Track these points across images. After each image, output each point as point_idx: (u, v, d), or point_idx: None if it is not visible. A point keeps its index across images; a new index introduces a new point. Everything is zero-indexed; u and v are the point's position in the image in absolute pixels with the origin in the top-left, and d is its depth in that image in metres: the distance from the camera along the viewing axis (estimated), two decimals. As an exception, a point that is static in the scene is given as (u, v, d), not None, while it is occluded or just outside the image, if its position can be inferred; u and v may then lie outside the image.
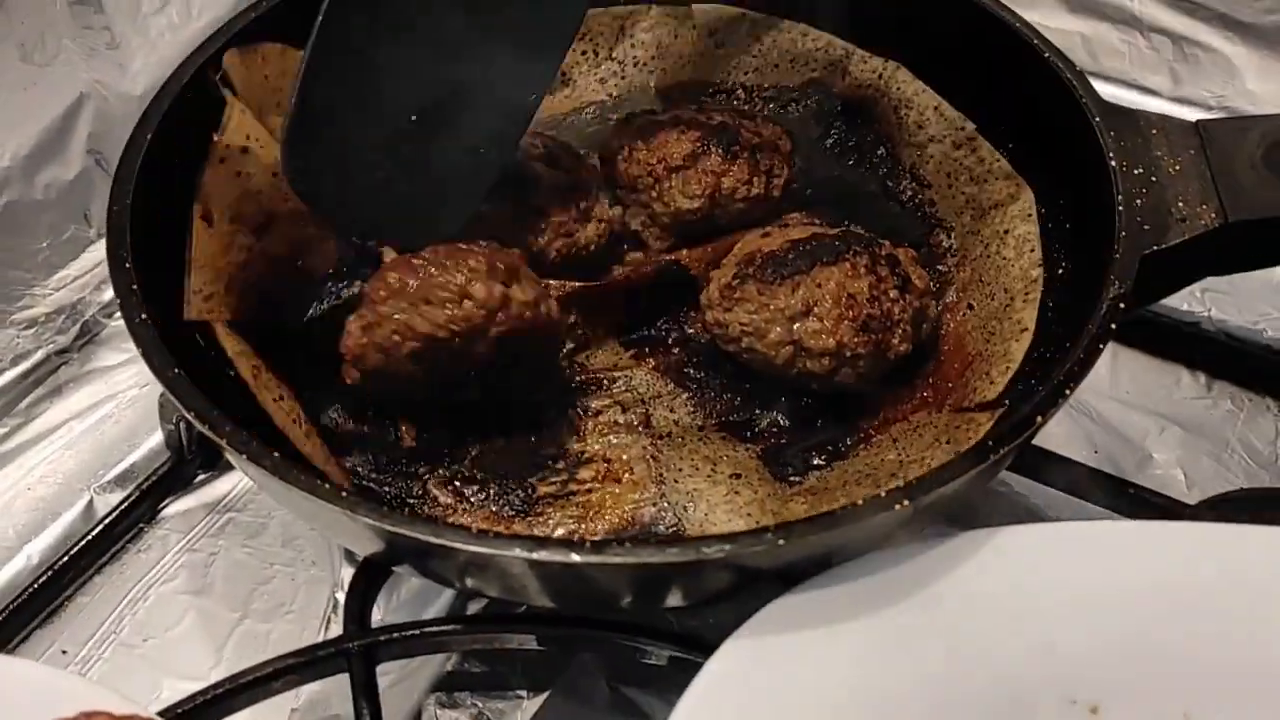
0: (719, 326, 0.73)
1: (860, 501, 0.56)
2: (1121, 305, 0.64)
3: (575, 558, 0.54)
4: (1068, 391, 0.61)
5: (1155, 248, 0.68)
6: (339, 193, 0.71)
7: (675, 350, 0.78)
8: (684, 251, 0.82)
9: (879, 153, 0.89)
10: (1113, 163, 0.72)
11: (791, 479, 0.71)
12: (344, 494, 0.57)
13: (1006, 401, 0.69)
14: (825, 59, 0.91)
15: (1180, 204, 0.70)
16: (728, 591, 0.62)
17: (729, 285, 0.72)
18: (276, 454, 0.59)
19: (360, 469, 0.72)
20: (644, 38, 0.95)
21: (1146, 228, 0.69)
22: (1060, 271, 0.76)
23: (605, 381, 0.76)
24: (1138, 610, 0.61)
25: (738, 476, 0.70)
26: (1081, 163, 0.74)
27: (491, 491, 0.70)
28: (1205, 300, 0.96)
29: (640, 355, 0.78)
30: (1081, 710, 0.60)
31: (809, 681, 0.59)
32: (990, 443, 0.59)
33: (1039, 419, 0.60)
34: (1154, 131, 0.74)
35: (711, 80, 0.95)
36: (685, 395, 0.76)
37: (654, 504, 0.69)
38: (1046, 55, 0.79)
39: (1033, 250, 0.77)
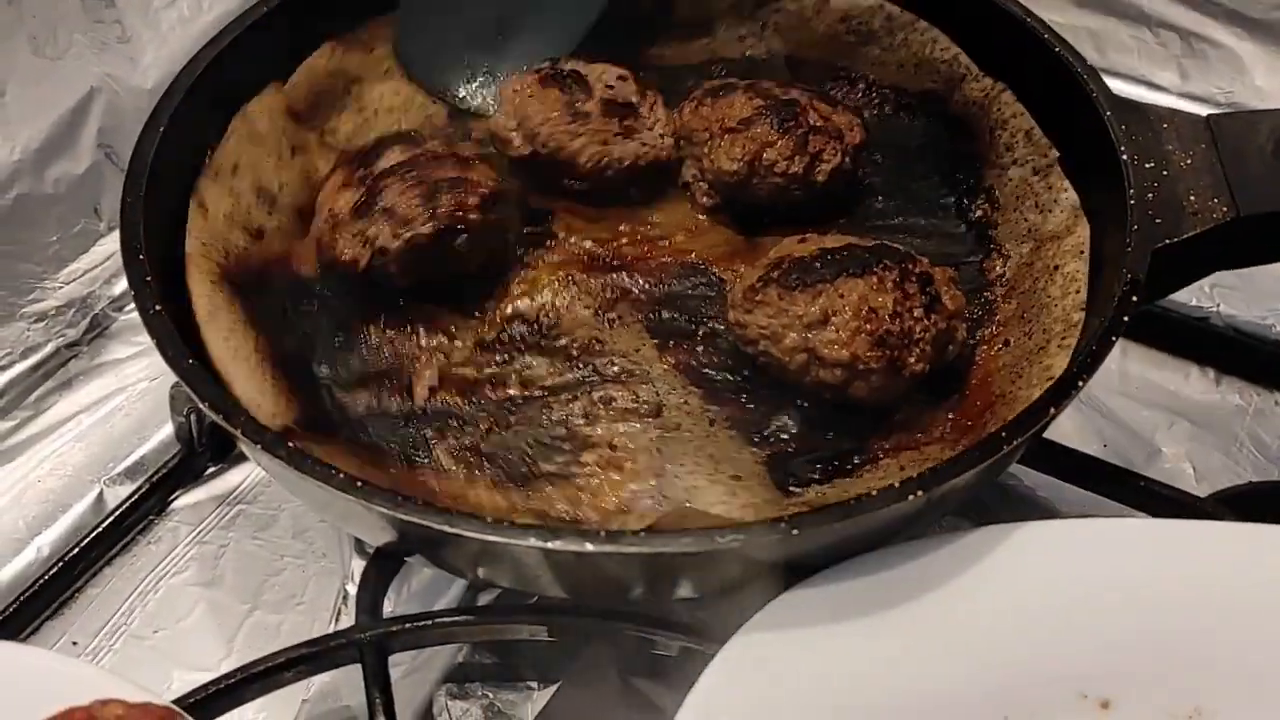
0: (739, 327, 0.73)
1: (874, 491, 0.56)
2: (1133, 299, 0.64)
3: (589, 547, 0.54)
4: (1080, 384, 0.61)
5: (1167, 241, 0.68)
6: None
7: (700, 346, 0.77)
8: (711, 255, 0.82)
9: (964, 169, 0.88)
10: (1124, 156, 0.72)
11: (791, 489, 0.70)
12: (359, 484, 0.57)
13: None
14: (947, 73, 0.90)
15: (1192, 197, 0.70)
16: (740, 582, 0.62)
17: (752, 287, 0.71)
18: (291, 444, 0.60)
19: (371, 426, 0.72)
20: (789, 6, 0.96)
21: (1158, 221, 0.69)
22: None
23: (622, 367, 0.76)
24: (1150, 606, 0.61)
25: (738, 479, 0.69)
26: (1093, 156, 0.74)
27: (497, 463, 0.70)
28: (1214, 295, 0.96)
29: (663, 345, 0.77)
30: (1092, 705, 0.60)
31: (819, 674, 0.59)
32: (1003, 434, 0.59)
33: (1051, 411, 0.60)
34: (1164, 126, 0.74)
35: (838, 65, 0.95)
36: (701, 391, 0.75)
37: (650, 496, 0.69)
38: (1057, 49, 0.79)
39: (1078, 291, 0.73)
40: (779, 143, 0.80)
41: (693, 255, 0.83)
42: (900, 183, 0.88)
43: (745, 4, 0.96)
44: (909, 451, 0.71)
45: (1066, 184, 0.80)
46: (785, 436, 0.73)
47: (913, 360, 0.69)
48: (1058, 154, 0.81)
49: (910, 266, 0.71)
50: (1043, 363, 0.71)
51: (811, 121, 0.81)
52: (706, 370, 0.76)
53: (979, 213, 0.85)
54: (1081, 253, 0.75)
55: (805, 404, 0.73)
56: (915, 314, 0.69)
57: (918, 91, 0.92)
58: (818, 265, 0.71)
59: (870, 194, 0.87)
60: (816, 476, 0.70)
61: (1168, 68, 1.12)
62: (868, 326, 0.68)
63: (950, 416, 0.72)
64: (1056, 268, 0.76)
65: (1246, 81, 1.08)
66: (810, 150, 0.80)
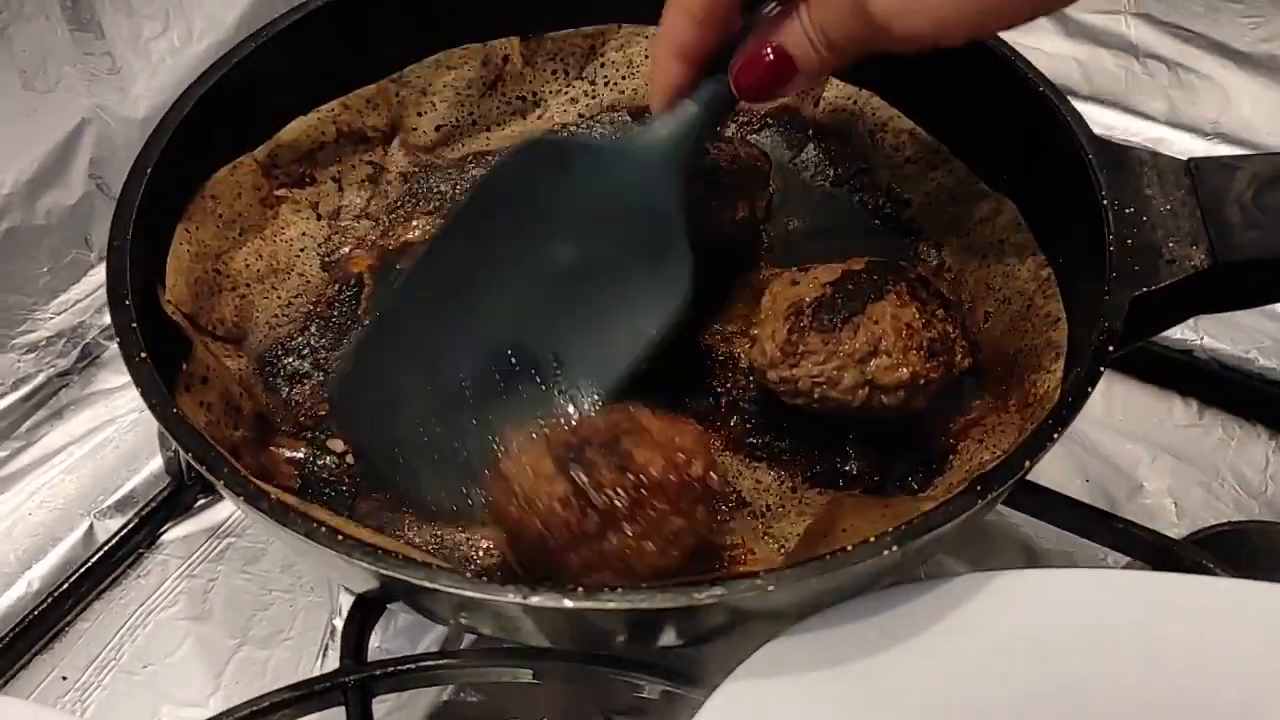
0: (785, 384, 0.71)
1: (850, 546, 0.57)
2: (1110, 348, 0.65)
3: (568, 603, 0.55)
4: (1055, 436, 0.61)
5: (1145, 289, 0.68)
6: (381, 440, 0.72)
7: (733, 419, 0.77)
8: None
9: (854, 170, 0.89)
10: (1105, 201, 0.71)
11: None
12: (340, 537, 0.57)
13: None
14: None
15: (1171, 244, 0.70)
16: (723, 631, 0.62)
17: (789, 340, 0.70)
18: (273, 495, 0.60)
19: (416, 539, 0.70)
20: (614, 57, 0.94)
21: (1137, 268, 0.68)
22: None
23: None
24: (1132, 658, 0.61)
25: None
26: (1073, 200, 0.74)
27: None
28: (1198, 329, 0.96)
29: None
30: (1078, 753, 0.60)
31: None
32: (978, 487, 0.59)
33: (1027, 464, 0.60)
34: (1144, 169, 0.73)
35: None
36: (762, 464, 0.74)
37: None
38: (1041, 89, 0.79)
39: (1034, 254, 0.76)
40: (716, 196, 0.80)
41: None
42: (799, 194, 0.90)
43: (569, 67, 0.95)
44: (975, 429, 0.74)
45: (973, 175, 0.82)
46: (864, 469, 0.74)
47: (959, 358, 0.71)
48: (948, 148, 0.84)
49: (909, 273, 0.73)
50: (1041, 313, 0.74)
51: (731, 168, 0.81)
52: (750, 440, 0.76)
53: (888, 208, 0.88)
54: (1019, 225, 0.78)
55: (862, 433, 0.75)
56: (939, 315, 0.71)
57: (771, 110, 0.93)
58: (839, 300, 0.70)
59: (779, 214, 0.88)
60: (916, 488, 0.73)
61: (1156, 98, 1.12)
62: (913, 342, 0.69)
63: (982, 388, 0.75)
64: (1003, 240, 0.79)
65: (1234, 113, 1.08)
66: (746, 194, 0.81)
